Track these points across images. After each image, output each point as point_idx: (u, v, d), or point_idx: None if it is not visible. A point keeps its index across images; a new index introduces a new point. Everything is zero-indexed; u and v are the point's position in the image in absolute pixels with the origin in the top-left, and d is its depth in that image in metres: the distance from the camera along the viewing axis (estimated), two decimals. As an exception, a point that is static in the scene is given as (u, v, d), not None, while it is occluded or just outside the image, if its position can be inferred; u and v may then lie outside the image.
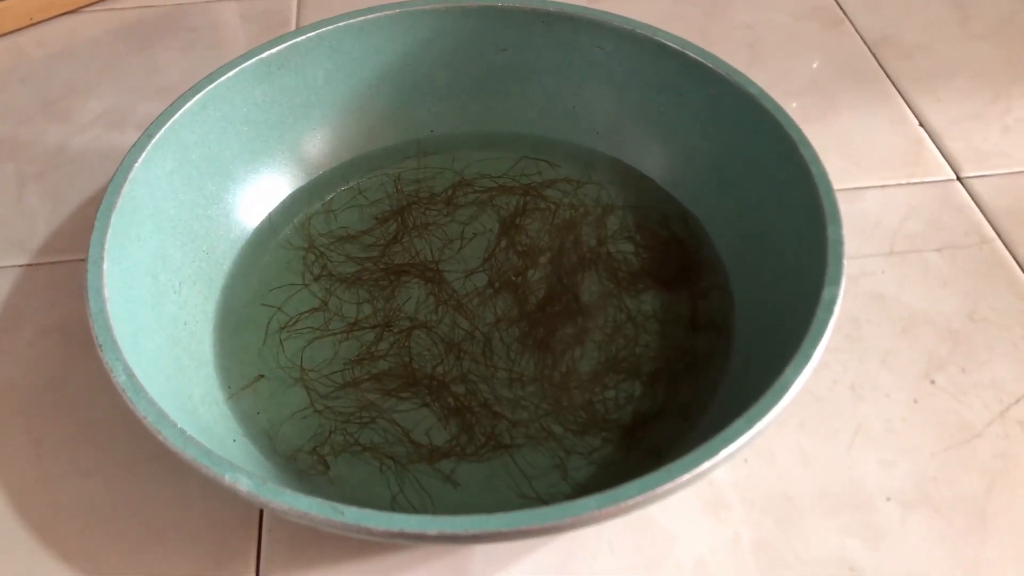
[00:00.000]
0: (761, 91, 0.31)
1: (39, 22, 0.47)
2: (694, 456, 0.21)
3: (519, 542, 0.27)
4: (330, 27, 0.34)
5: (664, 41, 0.33)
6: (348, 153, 0.37)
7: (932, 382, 0.31)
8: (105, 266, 0.26)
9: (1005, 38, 0.45)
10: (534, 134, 0.37)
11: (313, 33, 0.34)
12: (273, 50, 0.33)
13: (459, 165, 0.37)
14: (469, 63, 0.37)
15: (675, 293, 0.32)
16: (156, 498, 0.28)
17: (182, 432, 0.22)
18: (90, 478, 0.29)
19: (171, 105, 0.31)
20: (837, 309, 0.25)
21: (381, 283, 0.33)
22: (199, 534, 0.27)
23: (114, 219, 0.28)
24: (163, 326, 0.29)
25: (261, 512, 0.28)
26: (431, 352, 0.30)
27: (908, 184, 0.38)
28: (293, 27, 0.47)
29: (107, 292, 0.26)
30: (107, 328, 0.25)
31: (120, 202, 0.28)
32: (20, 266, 0.35)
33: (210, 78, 0.32)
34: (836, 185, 0.35)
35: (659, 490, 0.21)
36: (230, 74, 0.32)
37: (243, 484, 0.21)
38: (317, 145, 0.36)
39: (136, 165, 0.29)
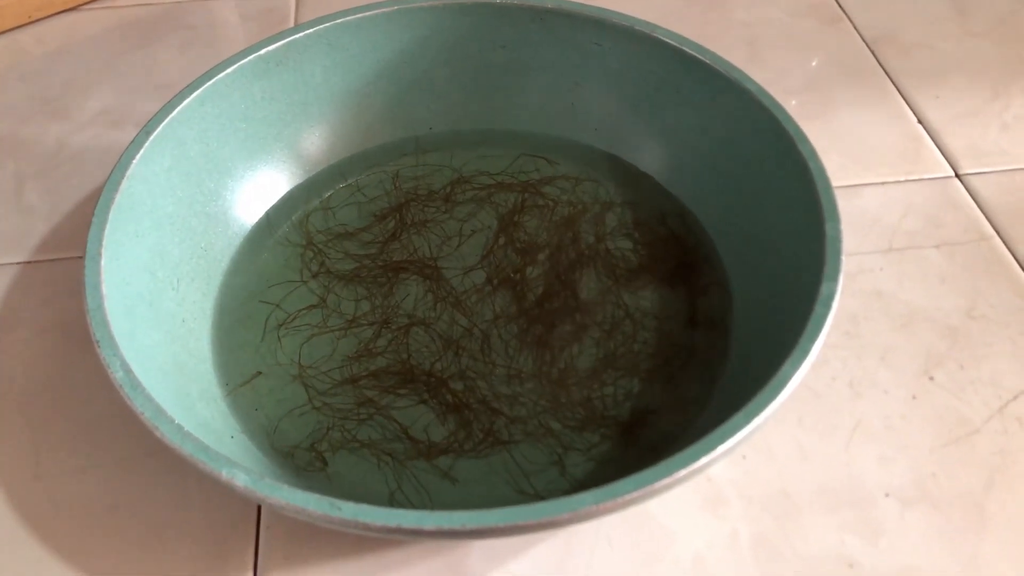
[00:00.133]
0: (759, 88, 0.31)
1: (38, 20, 0.47)
2: (692, 451, 0.21)
3: (517, 538, 0.27)
4: (328, 24, 0.34)
5: (662, 38, 0.33)
6: (346, 150, 0.37)
7: (931, 378, 0.31)
8: (103, 263, 0.26)
9: (1004, 36, 0.45)
10: (532, 131, 0.37)
11: (311, 30, 0.34)
12: (271, 47, 0.33)
13: (457, 162, 0.37)
14: (467, 60, 0.37)
15: (673, 290, 0.32)
16: (154, 495, 0.28)
17: (179, 428, 0.22)
18: (88, 475, 0.29)
19: (169, 102, 0.31)
20: (835, 304, 0.24)
21: (379, 280, 0.33)
22: (197, 531, 0.27)
23: (112, 216, 0.28)
24: (161, 323, 0.29)
25: (259, 508, 0.28)
26: (429, 349, 0.30)
27: (907, 181, 0.38)
28: (292, 25, 0.47)
29: (105, 289, 0.26)
30: (105, 324, 0.25)
31: (118, 199, 0.28)
32: (19, 264, 0.35)
33: (208, 75, 0.32)
34: (835, 182, 0.35)
35: (657, 485, 0.21)
36: (228, 71, 0.32)
37: (240, 480, 0.21)
38: (315, 142, 0.36)
39: (134, 162, 0.29)
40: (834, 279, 0.25)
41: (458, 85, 0.37)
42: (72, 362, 0.32)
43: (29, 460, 0.29)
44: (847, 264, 0.34)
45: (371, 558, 0.27)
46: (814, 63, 0.44)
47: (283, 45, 0.34)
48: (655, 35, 0.33)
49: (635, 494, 0.21)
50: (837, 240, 0.26)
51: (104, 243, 0.27)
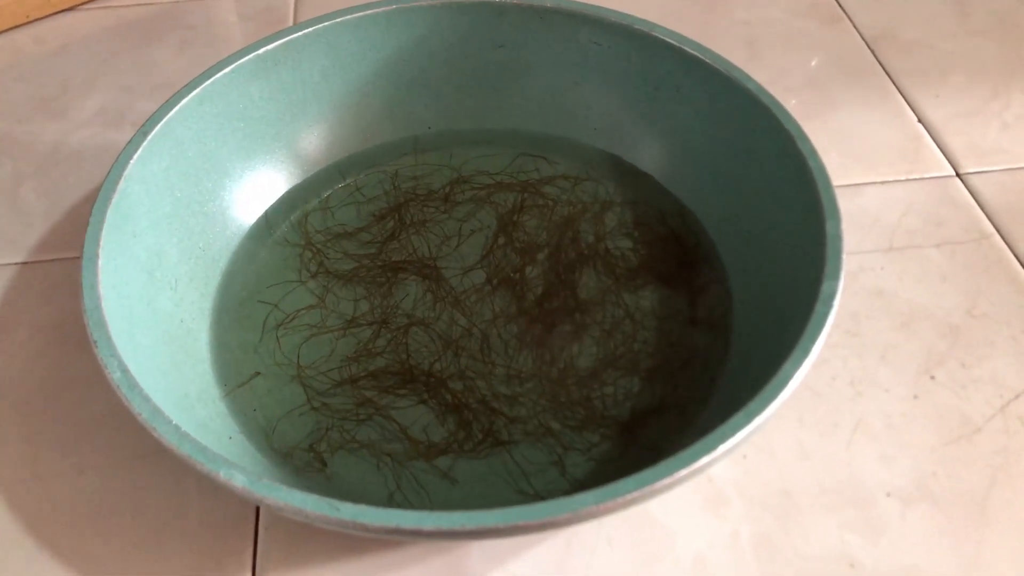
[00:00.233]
0: (759, 86, 0.31)
1: (36, 19, 0.47)
2: (692, 451, 0.21)
3: (517, 538, 0.27)
4: (327, 23, 0.34)
5: (662, 37, 0.33)
6: (345, 150, 0.37)
7: (932, 377, 0.31)
8: (100, 263, 0.26)
9: (1004, 35, 0.45)
10: (531, 131, 0.37)
11: (310, 29, 0.34)
12: (270, 46, 0.33)
13: (456, 162, 0.37)
14: (466, 59, 0.36)
15: (673, 289, 0.32)
16: (152, 496, 0.28)
17: (177, 429, 0.22)
18: (85, 476, 0.28)
19: (167, 101, 0.31)
20: (836, 303, 0.24)
21: (378, 280, 0.33)
22: (195, 532, 0.27)
23: (109, 216, 0.28)
24: (159, 323, 0.28)
25: (258, 509, 0.28)
26: (429, 349, 0.30)
27: (907, 180, 0.38)
28: (291, 24, 0.47)
29: (102, 289, 0.26)
30: (102, 325, 0.25)
31: (115, 199, 0.28)
32: (16, 264, 0.35)
33: (206, 74, 0.32)
34: (835, 182, 0.35)
35: (657, 485, 0.21)
36: (227, 70, 0.32)
37: (238, 480, 0.21)
38: (314, 142, 0.36)
39: (132, 162, 0.29)
40: (835, 278, 0.25)
41: (457, 84, 0.37)
42: (70, 363, 0.32)
43: (26, 461, 0.29)
44: (847, 263, 0.34)
45: (371, 559, 0.26)
46: (814, 62, 0.44)
47: (281, 44, 0.34)
48: (654, 34, 0.33)
49: (636, 494, 0.21)
50: (838, 239, 0.26)
51: (101, 243, 0.27)
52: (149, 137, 0.30)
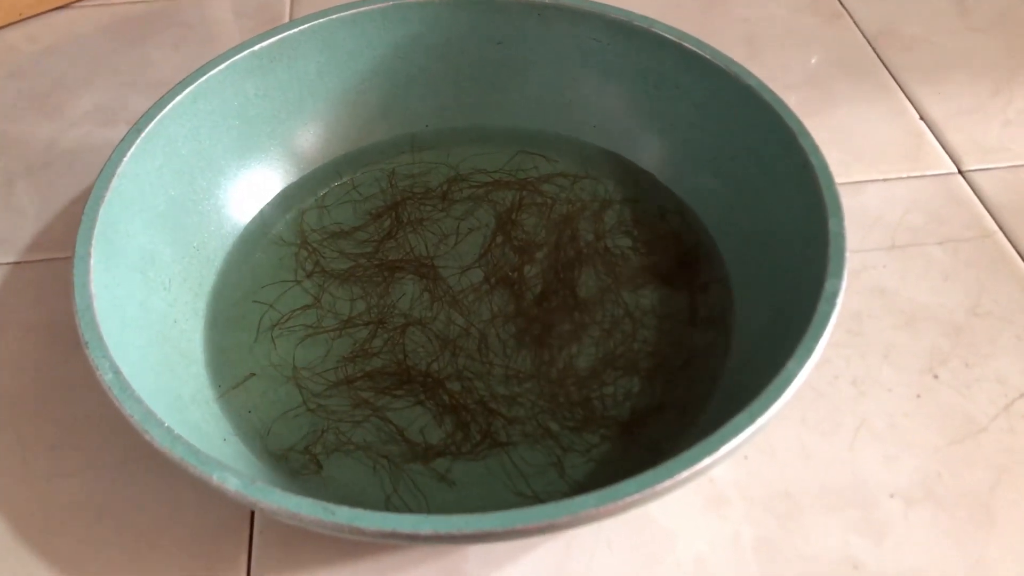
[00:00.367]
0: (760, 83, 0.30)
1: (29, 17, 0.47)
2: (694, 452, 0.21)
3: (515, 542, 0.26)
4: (322, 20, 0.34)
5: (661, 33, 0.33)
6: (341, 148, 0.36)
7: (935, 377, 0.30)
8: (92, 262, 0.26)
9: (1005, 31, 0.44)
10: (530, 128, 0.37)
11: (305, 26, 0.34)
12: (265, 43, 0.33)
13: (454, 160, 0.36)
14: (464, 56, 0.36)
15: (674, 288, 0.32)
16: (145, 500, 0.28)
17: (169, 431, 0.22)
18: (77, 479, 0.28)
19: (160, 99, 0.31)
20: (839, 302, 0.24)
21: (375, 279, 0.32)
22: (189, 536, 0.27)
23: (102, 215, 0.27)
24: (152, 323, 0.28)
25: (252, 514, 0.27)
26: (426, 349, 0.30)
27: (909, 178, 0.37)
28: (286, 21, 0.46)
29: (94, 289, 0.25)
30: (94, 325, 0.24)
31: (108, 197, 0.28)
32: (7, 264, 0.35)
33: (200, 71, 0.32)
34: (836, 179, 0.35)
35: (658, 487, 0.20)
36: (221, 67, 0.32)
37: (231, 483, 0.21)
38: (310, 140, 0.36)
39: (124, 160, 0.29)
40: (838, 276, 0.25)
41: (454, 81, 0.37)
42: (62, 364, 0.31)
43: (16, 464, 0.29)
44: (849, 261, 0.34)
45: (367, 563, 0.26)
46: (814, 59, 0.43)
47: (276, 41, 0.33)
48: (654, 30, 0.33)
49: (636, 496, 0.20)
50: (841, 236, 0.26)
51: (93, 243, 0.26)
52: (142, 135, 0.30)
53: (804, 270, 0.26)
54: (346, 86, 0.36)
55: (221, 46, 0.45)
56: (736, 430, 0.21)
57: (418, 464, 0.27)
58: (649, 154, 0.35)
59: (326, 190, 0.35)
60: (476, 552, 0.26)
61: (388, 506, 0.26)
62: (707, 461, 0.21)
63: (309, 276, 0.32)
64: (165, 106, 0.30)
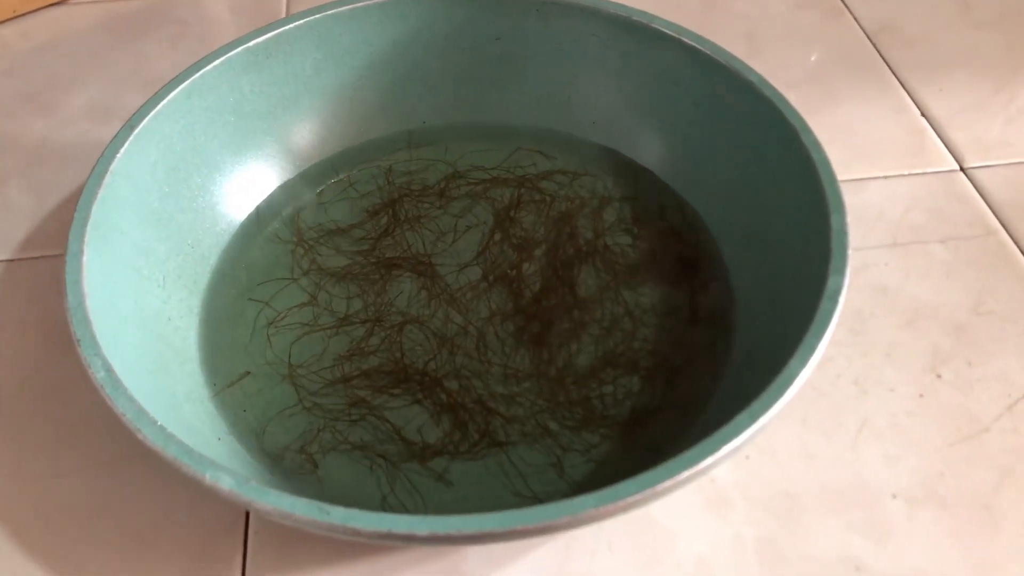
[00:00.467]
0: (761, 78, 0.30)
1: (23, 14, 0.47)
2: (695, 452, 0.21)
3: (515, 542, 0.26)
4: (319, 15, 0.33)
5: (661, 28, 0.32)
6: (338, 145, 0.36)
7: (938, 376, 0.30)
8: (85, 259, 0.26)
9: (1007, 27, 0.44)
10: (529, 125, 0.37)
11: (302, 21, 0.33)
12: (260, 38, 0.33)
13: (452, 157, 0.36)
14: (462, 52, 0.36)
15: (674, 286, 0.31)
16: (138, 500, 0.27)
17: (162, 430, 0.22)
18: (69, 479, 0.28)
19: (154, 95, 0.30)
20: (842, 300, 0.24)
21: (372, 277, 0.32)
22: (183, 536, 0.26)
23: (95, 211, 0.27)
24: (146, 321, 0.28)
25: (247, 514, 0.27)
26: (423, 347, 0.30)
27: (911, 175, 0.37)
28: (283, 17, 0.46)
29: (86, 286, 0.25)
30: (86, 323, 0.24)
31: (101, 194, 0.27)
32: (1, 261, 0.34)
33: (195, 67, 0.31)
34: (838, 176, 0.35)
35: (659, 488, 0.20)
36: (216, 63, 0.32)
37: (225, 483, 0.20)
38: (306, 136, 0.35)
39: (118, 156, 0.28)
40: (841, 273, 0.24)
41: (452, 78, 0.36)
42: (56, 362, 0.31)
43: (9, 463, 0.28)
44: (851, 259, 0.33)
45: (364, 564, 0.26)
46: (815, 56, 0.43)
47: (272, 37, 0.33)
48: (653, 26, 0.32)
49: (637, 497, 0.20)
50: (843, 233, 0.25)
51: (86, 239, 0.26)
52: (136, 131, 0.29)
53: (805, 268, 0.26)
54: (343, 82, 0.35)
55: (217, 42, 0.45)
56: (737, 430, 0.21)
57: (415, 464, 0.27)
58: (649, 151, 0.35)
59: (322, 187, 0.35)
60: (475, 552, 0.26)
61: (384, 506, 0.26)
62: (708, 461, 0.21)
63: (305, 273, 0.32)
64: (159, 102, 0.30)
